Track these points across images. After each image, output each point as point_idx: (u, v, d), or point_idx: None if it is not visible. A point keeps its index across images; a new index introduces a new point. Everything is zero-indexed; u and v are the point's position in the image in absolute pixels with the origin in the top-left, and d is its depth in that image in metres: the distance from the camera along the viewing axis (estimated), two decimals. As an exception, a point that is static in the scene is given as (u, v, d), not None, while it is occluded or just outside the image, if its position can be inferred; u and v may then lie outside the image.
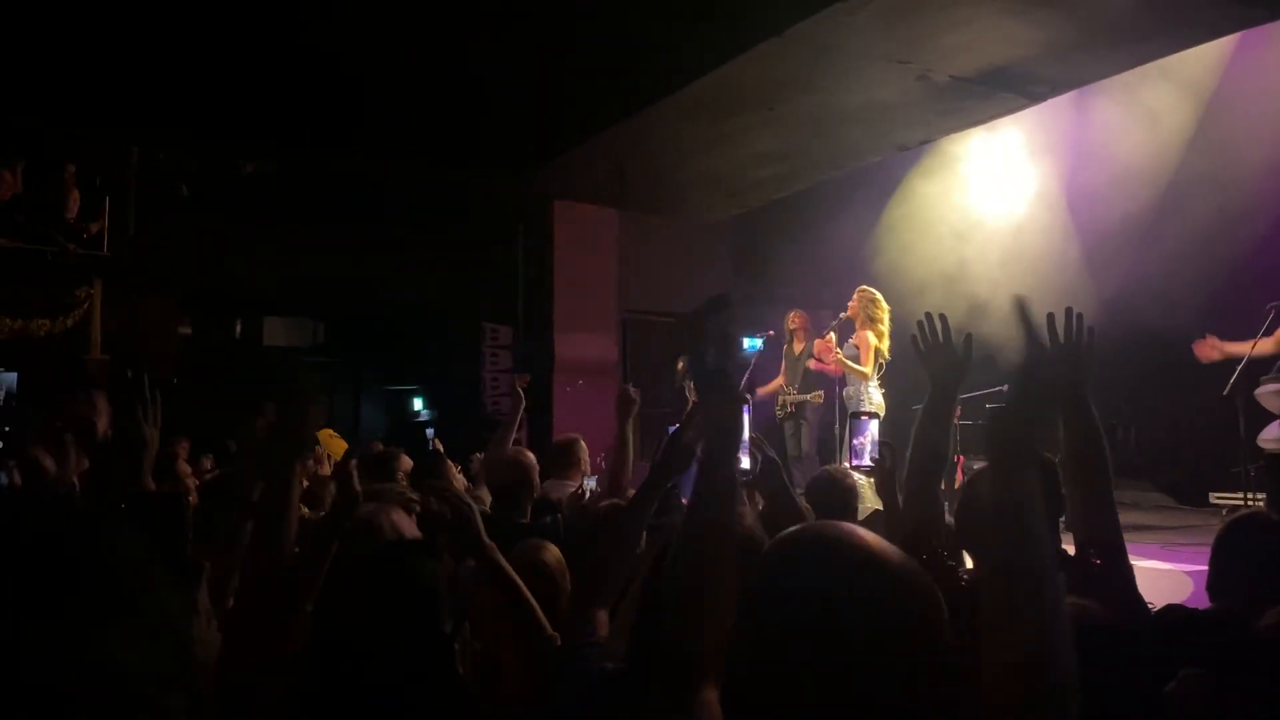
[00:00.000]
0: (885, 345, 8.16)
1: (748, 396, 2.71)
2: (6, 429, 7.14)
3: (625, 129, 8.40)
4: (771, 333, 9.79)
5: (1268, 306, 7.29)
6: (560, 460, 4.87)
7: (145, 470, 2.38)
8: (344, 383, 14.54)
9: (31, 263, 9.16)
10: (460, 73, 7.29)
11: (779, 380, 9.34)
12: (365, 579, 2.06)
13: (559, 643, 2.28)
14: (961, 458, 8.52)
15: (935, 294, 9.62)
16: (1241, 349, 7.15)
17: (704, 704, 1.47)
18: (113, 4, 6.41)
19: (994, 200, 10.35)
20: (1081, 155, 9.81)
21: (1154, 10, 6.28)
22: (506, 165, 9.56)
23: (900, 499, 2.91)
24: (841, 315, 8.49)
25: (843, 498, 3.83)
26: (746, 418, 2.64)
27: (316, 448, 7.63)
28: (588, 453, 5.01)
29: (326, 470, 6.21)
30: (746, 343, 11.58)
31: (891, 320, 8.23)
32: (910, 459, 2.55)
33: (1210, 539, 2.60)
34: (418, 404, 14.67)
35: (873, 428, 3.56)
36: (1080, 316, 2.48)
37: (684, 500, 2.99)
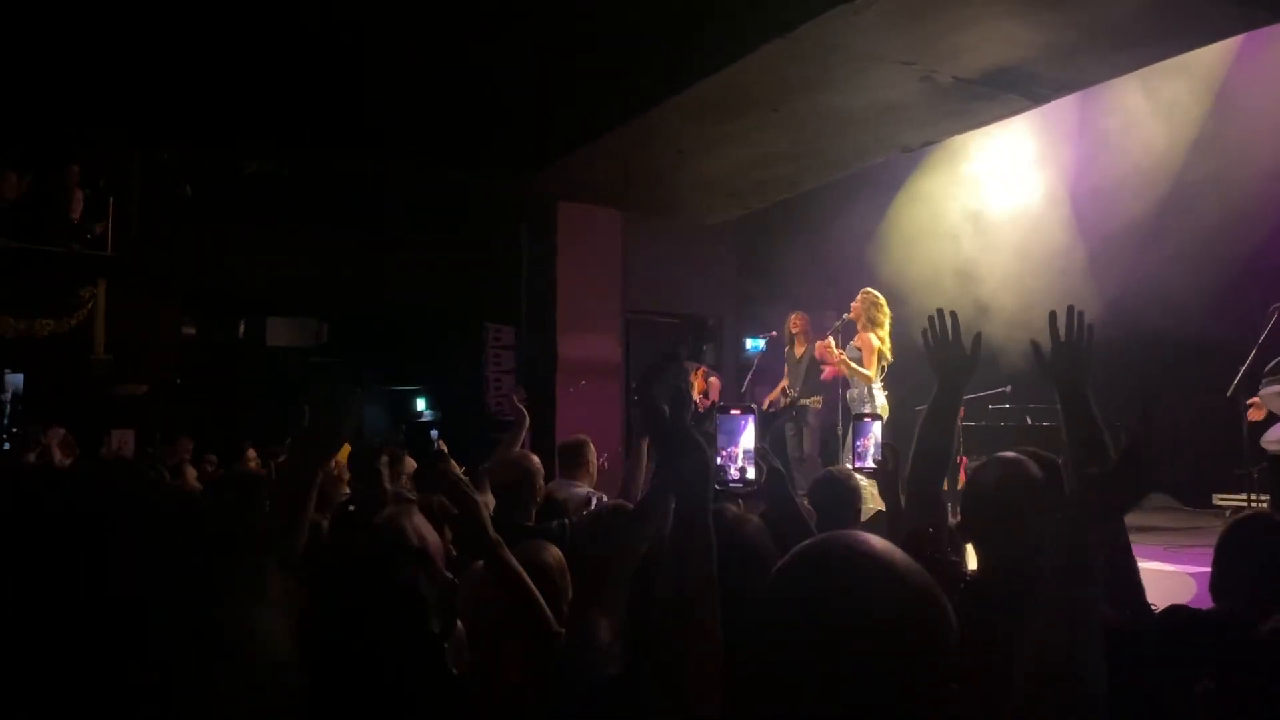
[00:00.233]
0: (888, 347, 8.17)
1: (754, 406, 2.71)
2: (14, 430, 7.17)
3: (629, 130, 8.40)
4: (774, 334, 9.81)
5: (1271, 308, 7.30)
6: (568, 461, 4.87)
7: None
8: (346, 383, 14.54)
9: (35, 263, 9.18)
10: (464, 73, 7.30)
11: (782, 384, 9.36)
12: (347, 580, 2.07)
13: (561, 641, 2.28)
14: (964, 458, 8.52)
15: (939, 295, 9.62)
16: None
17: (700, 711, 1.48)
18: (117, 6, 6.42)
19: (998, 201, 10.35)
20: (1085, 157, 9.81)
21: (1158, 12, 6.28)
22: (510, 166, 9.56)
23: (902, 499, 2.91)
24: (845, 316, 8.49)
25: (846, 500, 3.83)
26: (752, 426, 2.64)
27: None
28: (596, 454, 5.01)
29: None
30: (749, 344, 11.60)
31: (893, 322, 8.24)
32: (913, 458, 2.55)
33: (1213, 540, 2.59)
34: (420, 404, 14.68)
35: (875, 430, 3.56)
36: (1081, 314, 2.48)
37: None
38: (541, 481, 4.31)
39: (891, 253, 10.14)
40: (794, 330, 9.27)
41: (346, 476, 5.29)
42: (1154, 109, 8.98)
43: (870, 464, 3.46)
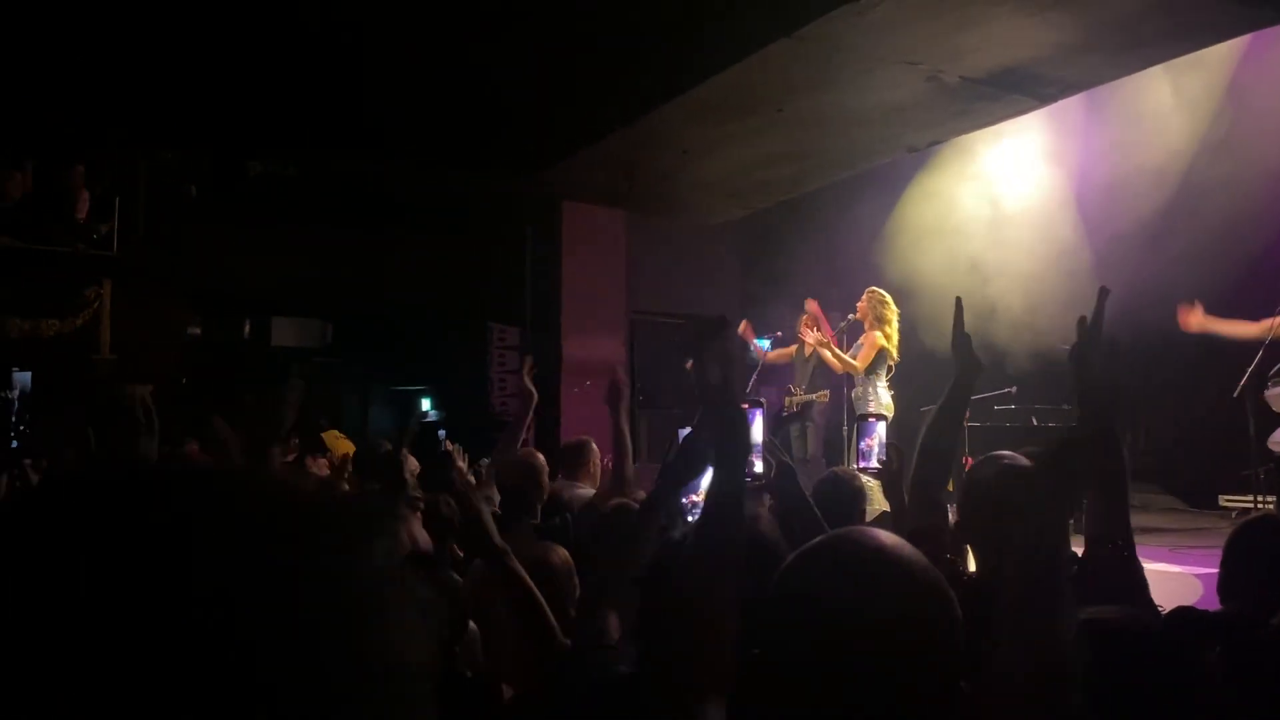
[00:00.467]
0: (895, 347, 8.16)
1: (761, 400, 2.71)
2: (23, 428, 7.17)
3: (633, 130, 8.40)
4: (779, 334, 9.80)
5: (1278, 308, 7.27)
6: (571, 461, 4.87)
7: None
8: (351, 383, 14.56)
9: (41, 263, 9.18)
10: (468, 73, 7.30)
11: (788, 351, 9.31)
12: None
13: (568, 646, 2.27)
14: (969, 459, 8.50)
15: (945, 295, 9.60)
16: (1224, 327, 7.19)
17: (709, 710, 1.47)
18: (122, 6, 6.43)
19: (1004, 201, 10.33)
20: (1091, 157, 9.79)
21: (1164, 12, 6.26)
22: (515, 166, 9.57)
23: (906, 498, 2.90)
24: (850, 316, 8.49)
25: (850, 500, 3.82)
26: (760, 421, 2.64)
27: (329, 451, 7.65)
28: (599, 455, 5.01)
29: (327, 470, 6.22)
30: (753, 344, 11.59)
31: (900, 321, 8.24)
32: (918, 457, 2.54)
33: (1219, 542, 2.58)
34: (425, 404, 14.68)
35: (880, 429, 3.56)
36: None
37: (688, 500, 3.00)
38: (546, 480, 4.31)
39: (897, 253, 10.13)
40: (810, 316, 9.25)
41: (347, 473, 5.28)
42: (1160, 109, 8.96)
43: (875, 464, 3.46)
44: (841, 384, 8.80)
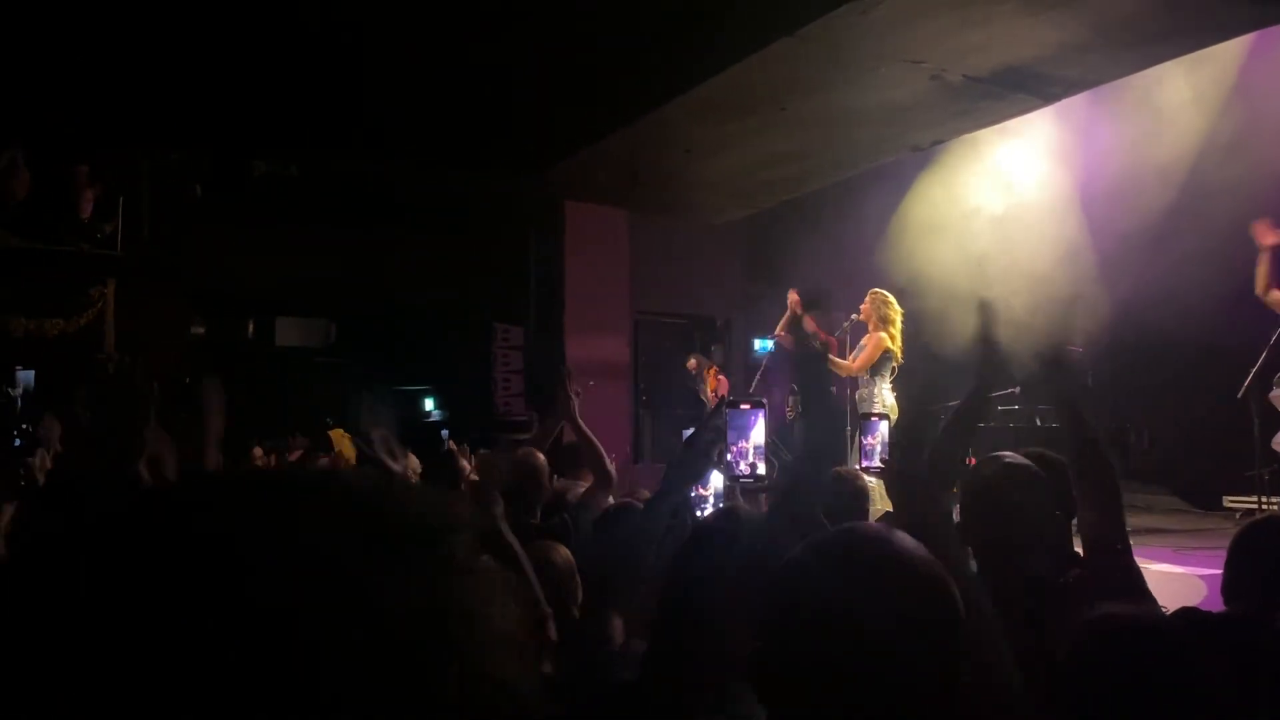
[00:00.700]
0: (899, 347, 8.15)
1: (763, 401, 2.71)
2: (25, 426, 7.16)
3: (636, 130, 8.40)
4: (783, 334, 9.79)
5: (1284, 309, 7.26)
6: (571, 461, 4.87)
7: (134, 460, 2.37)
8: (355, 382, 14.57)
9: (45, 262, 9.19)
10: (471, 73, 7.30)
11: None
12: None
13: (559, 645, 2.27)
14: (974, 460, 8.49)
15: (949, 295, 9.59)
16: None
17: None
18: (126, 7, 6.44)
19: (1009, 200, 10.32)
20: (1096, 157, 9.77)
21: (1169, 10, 6.25)
22: (518, 166, 9.57)
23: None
24: (854, 317, 8.48)
25: (853, 499, 3.82)
26: (762, 421, 2.64)
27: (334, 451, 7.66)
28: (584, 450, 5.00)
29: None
30: (757, 344, 11.60)
31: (904, 322, 8.22)
32: (931, 458, 2.53)
33: (1224, 542, 2.57)
34: (429, 404, 14.69)
35: (883, 429, 3.55)
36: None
37: (696, 493, 2.99)
38: (547, 480, 4.31)
39: (901, 252, 10.11)
40: (808, 330, 9.24)
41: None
42: (1165, 108, 8.93)
43: (877, 463, 3.45)
44: (845, 384, 8.79)
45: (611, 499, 3.81)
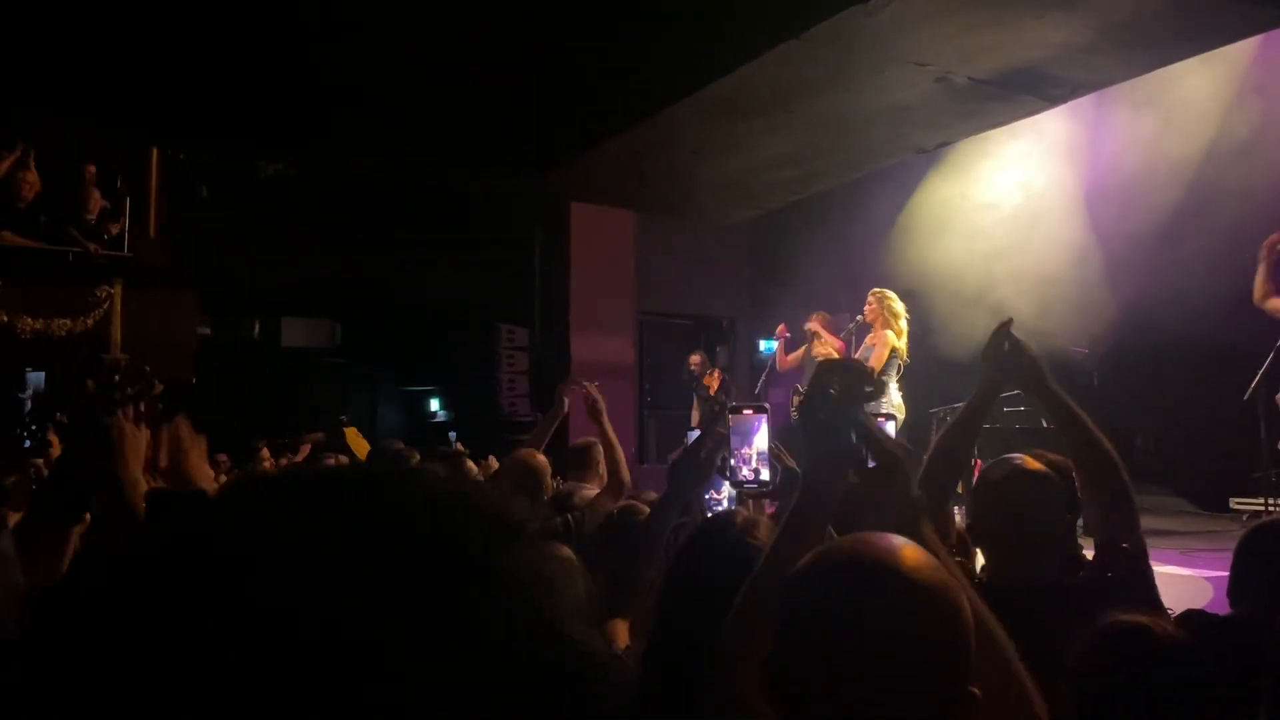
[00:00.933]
0: (904, 346, 8.14)
1: (766, 406, 2.72)
2: (34, 427, 7.18)
3: (642, 130, 8.39)
4: (788, 335, 9.79)
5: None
6: (578, 462, 4.87)
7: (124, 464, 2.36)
8: (360, 383, 14.60)
9: (53, 263, 9.23)
10: (477, 75, 7.30)
11: (799, 354, 9.30)
12: None
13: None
14: (979, 461, 8.48)
15: (955, 296, 9.59)
16: None
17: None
18: (133, 8, 6.45)
19: (1015, 202, 10.31)
20: (1101, 159, 9.76)
21: (1175, 12, 6.24)
22: (524, 167, 9.57)
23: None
24: (859, 318, 8.47)
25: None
26: (765, 426, 2.64)
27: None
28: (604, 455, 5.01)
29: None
30: (762, 345, 11.59)
31: (909, 322, 8.21)
32: (930, 458, 2.54)
33: (1230, 545, 2.57)
34: (434, 405, 14.71)
35: (889, 429, 3.53)
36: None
37: (711, 497, 2.99)
38: (549, 479, 4.31)
39: (907, 254, 10.11)
40: (811, 331, 9.23)
41: None
42: (1172, 110, 8.93)
43: (884, 465, 3.44)
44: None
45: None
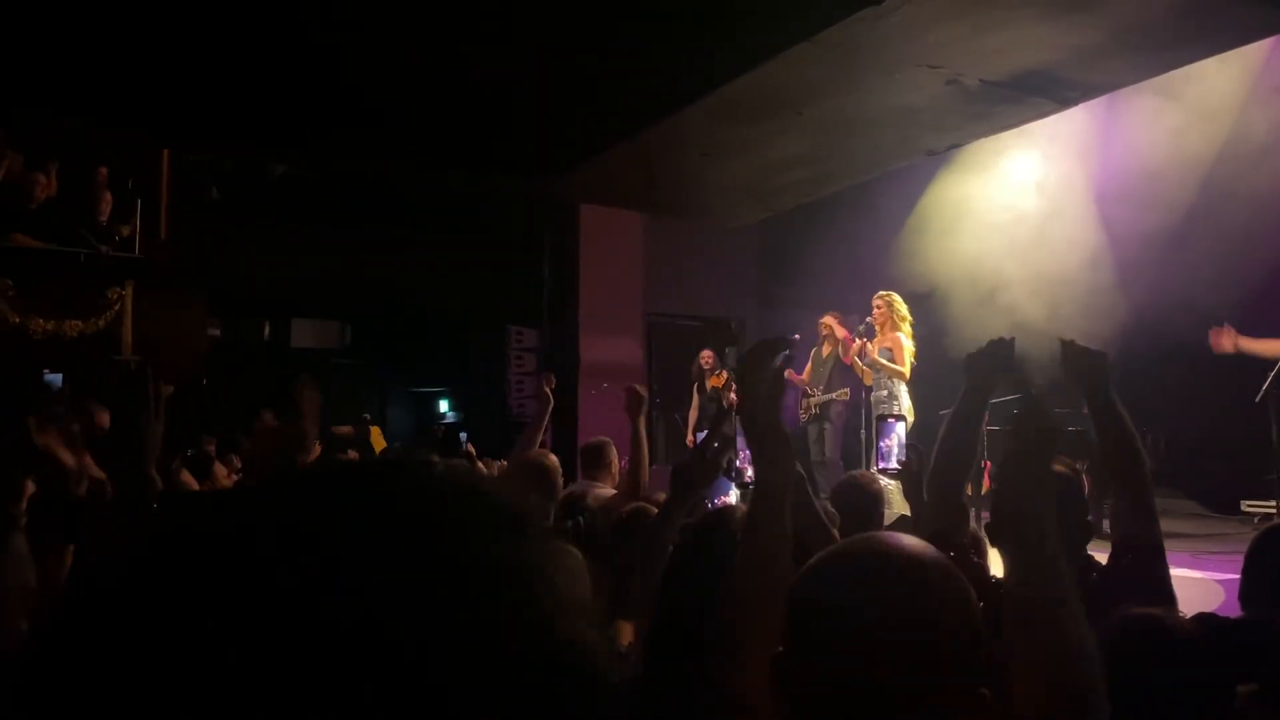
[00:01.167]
0: (912, 348, 8.15)
1: None
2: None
3: (654, 133, 8.39)
4: (798, 335, 9.77)
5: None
6: (591, 461, 4.88)
7: (147, 463, 2.37)
8: (370, 384, 14.63)
9: (64, 264, 9.27)
10: (488, 76, 7.31)
11: (804, 377, 9.32)
12: None
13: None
14: (989, 463, 8.47)
15: (964, 298, 9.58)
16: (1258, 346, 7.12)
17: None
18: (144, 10, 6.48)
19: (1024, 204, 10.28)
20: (1112, 161, 9.74)
21: (1188, 15, 6.22)
22: (534, 169, 9.58)
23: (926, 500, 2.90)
24: (867, 319, 8.47)
25: (869, 504, 3.82)
26: None
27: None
28: (618, 456, 5.02)
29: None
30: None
31: (914, 325, 8.22)
32: (935, 460, 2.54)
33: (1241, 547, 2.57)
34: (443, 406, 14.73)
35: (900, 430, 3.54)
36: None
37: (717, 501, 2.99)
38: (560, 481, 4.32)
39: (916, 256, 10.10)
40: (824, 331, 9.23)
41: None
42: (1183, 113, 8.90)
43: (894, 464, 3.45)
44: (861, 387, 8.78)
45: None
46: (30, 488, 2.28)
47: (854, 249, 10.41)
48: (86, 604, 0.54)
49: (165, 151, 9.88)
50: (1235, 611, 2.45)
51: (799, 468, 3.00)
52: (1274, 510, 7.62)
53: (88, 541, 2.25)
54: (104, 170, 9.50)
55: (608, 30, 6.56)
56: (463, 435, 10.44)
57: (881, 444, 3.63)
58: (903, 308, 8.20)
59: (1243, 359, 7.70)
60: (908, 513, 3.79)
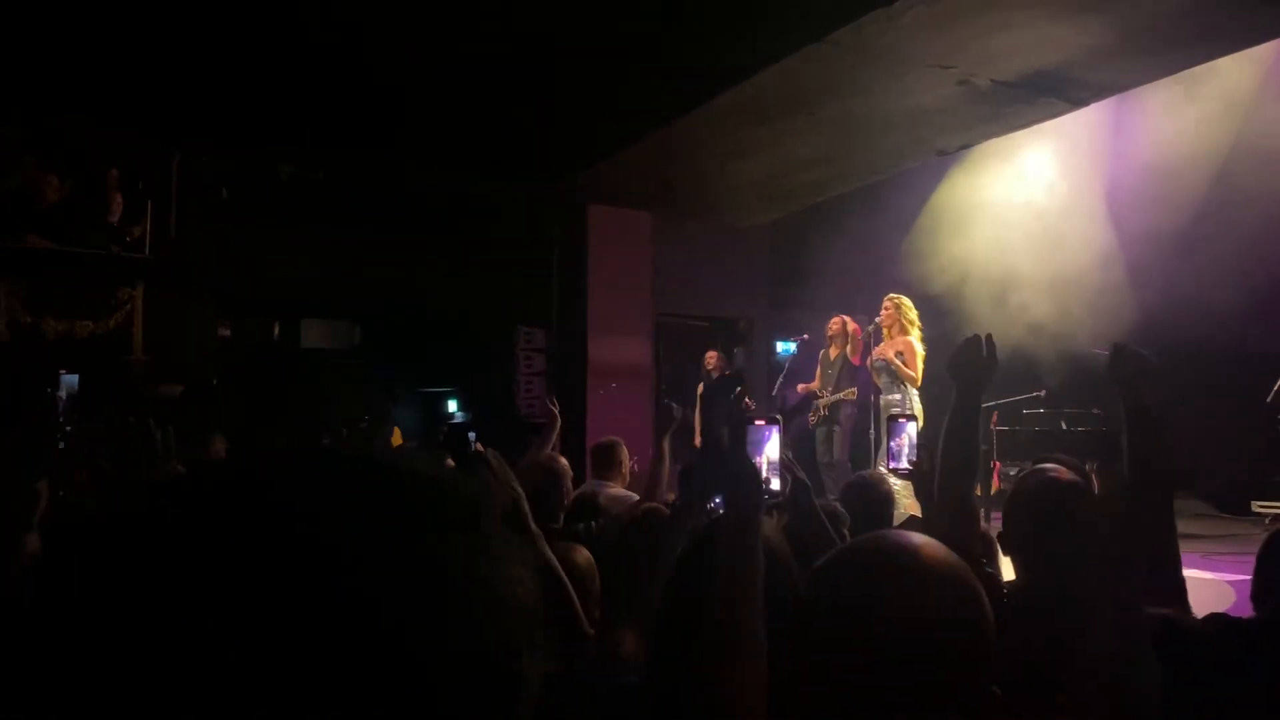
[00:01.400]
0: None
1: (778, 418, 2.70)
2: (68, 429, 7.26)
3: (666, 134, 8.40)
4: (806, 336, 9.78)
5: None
6: (602, 461, 4.89)
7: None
8: (379, 384, 14.63)
9: (75, 265, 9.31)
10: (499, 77, 7.32)
11: (814, 384, 9.33)
12: None
13: (592, 635, 2.28)
14: (998, 463, 8.46)
15: (974, 300, 9.56)
16: None
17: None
18: (156, 12, 6.50)
19: (1034, 206, 10.26)
20: (1123, 162, 9.71)
21: (1199, 15, 6.21)
22: (547, 171, 9.60)
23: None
24: (876, 320, 8.46)
25: (878, 504, 3.82)
26: (777, 436, 2.63)
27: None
28: (628, 456, 5.03)
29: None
30: (780, 346, 11.57)
31: (922, 329, 8.20)
32: (940, 464, 2.54)
33: (1252, 548, 2.56)
34: (452, 406, 14.73)
35: (910, 430, 3.52)
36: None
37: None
38: (569, 484, 4.33)
39: (926, 256, 10.09)
40: (832, 332, 9.22)
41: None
42: (1193, 113, 8.87)
43: (905, 465, 3.44)
44: (869, 390, 8.77)
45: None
46: (45, 492, 2.30)
47: (864, 249, 10.39)
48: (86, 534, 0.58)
49: (176, 153, 9.91)
50: (1246, 612, 2.45)
51: (800, 473, 3.00)
52: (1285, 511, 7.60)
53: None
54: (115, 172, 9.54)
55: (621, 33, 6.56)
56: (472, 435, 10.45)
57: (892, 444, 3.62)
58: (911, 311, 8.18)
59: (1250, 358, 7.70)
60: (918, 513, 3.78)
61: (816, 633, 1.19)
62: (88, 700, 0.51)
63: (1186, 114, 8.88)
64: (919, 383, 7.96)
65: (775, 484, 2.65)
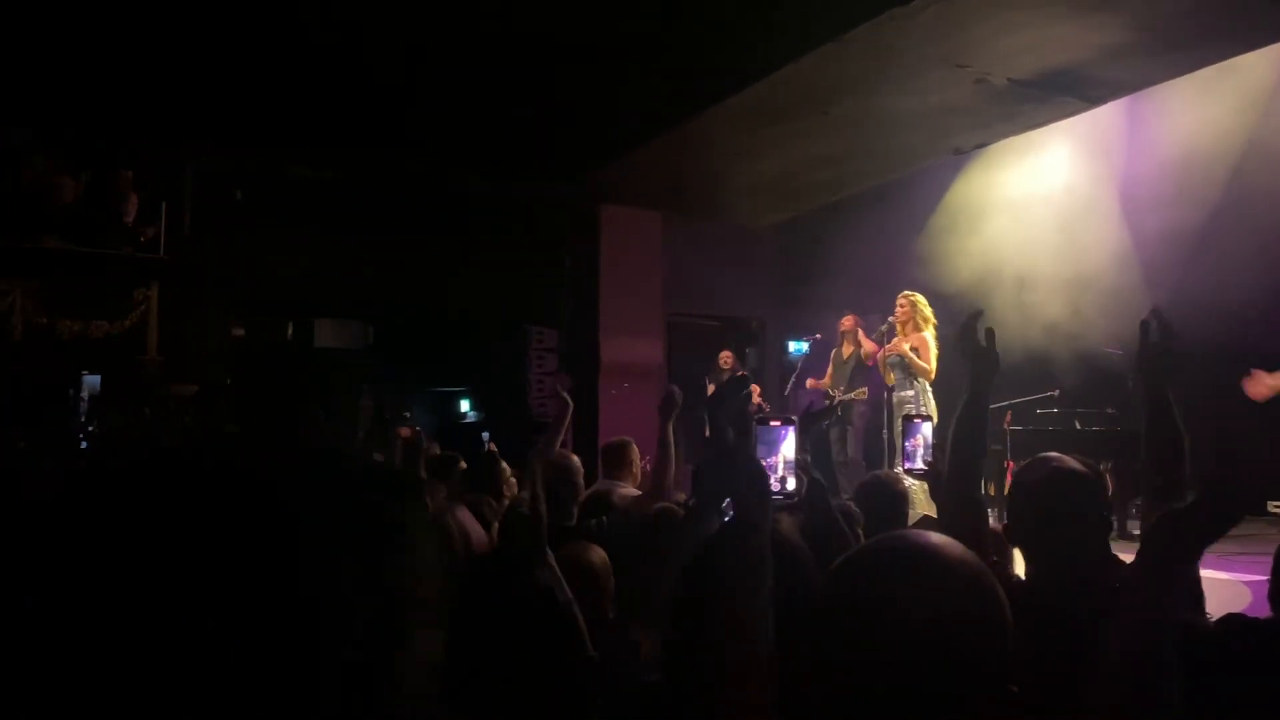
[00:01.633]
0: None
1: (794, 419, 2.69)
2: (91, 428, 7.32)
3: (679, 134, 8.39)
4: (819, 335, 9.76)
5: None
6: (613, 461, 4.89)
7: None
8: (391, 384, 14.66)
9: (90, 266, 9.36)
10: (513, 78, 7.33)
11: (825, 381, 9.31)
12: None
13: (597, 657, 2.29)
14: (1012, 463, 8.42)
15: (986, 299, 9.52)
16: None
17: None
18: (170, 15, 6.53)
19: (1048, 205, 10.21)
20: (1137, 161, 9.65)
21: (1215, 13, 6.18)
22: (560, 171, 9.61)
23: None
24: (890, 319, 8.44)
25: (893, 503, 3.81)
26: (792, 436, 2.62)
27: None
28: (639, 455, 5.02)
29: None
30: (792, 346, 11.56)
31: (936, 327, 8.17)
32: (949, 462, 2.53)
33: (1268, 548, 2.54)
34: (464, 405, 14.76)
35: (925, 430, 3.50)
36: (1166, 319, 2.51)
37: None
38: (581, 481, 4.33)
39: (938, 256, 10.04)
40: (844, 330, 9.20)
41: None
42: (1210, 110, 8.82)
43: (920, 465, 3.43)
44: (882, 387, 8.74)
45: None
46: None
47: (876, 248, 10.35)
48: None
49: (190, 154, 9.96)
50: (1263, 612, 2.43)
51: (816, 473, 3.00)
52: (1302, 511, 7.55)
53: None
54: (129, 173, 9.59)
55: (635, 33, 6.56)
56: (484, 434, 10.47)
57: (907, 444, 3.60)
58: (927, 309, 8.16)
59: (1266, 357, 7.64)
60: (933, 513, 3.77)
61: (835, 631, 1.18)
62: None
63: (1203, 111, 8.81)
64: (932, 376, 7.94)
65: (791, 484, 2.64)
